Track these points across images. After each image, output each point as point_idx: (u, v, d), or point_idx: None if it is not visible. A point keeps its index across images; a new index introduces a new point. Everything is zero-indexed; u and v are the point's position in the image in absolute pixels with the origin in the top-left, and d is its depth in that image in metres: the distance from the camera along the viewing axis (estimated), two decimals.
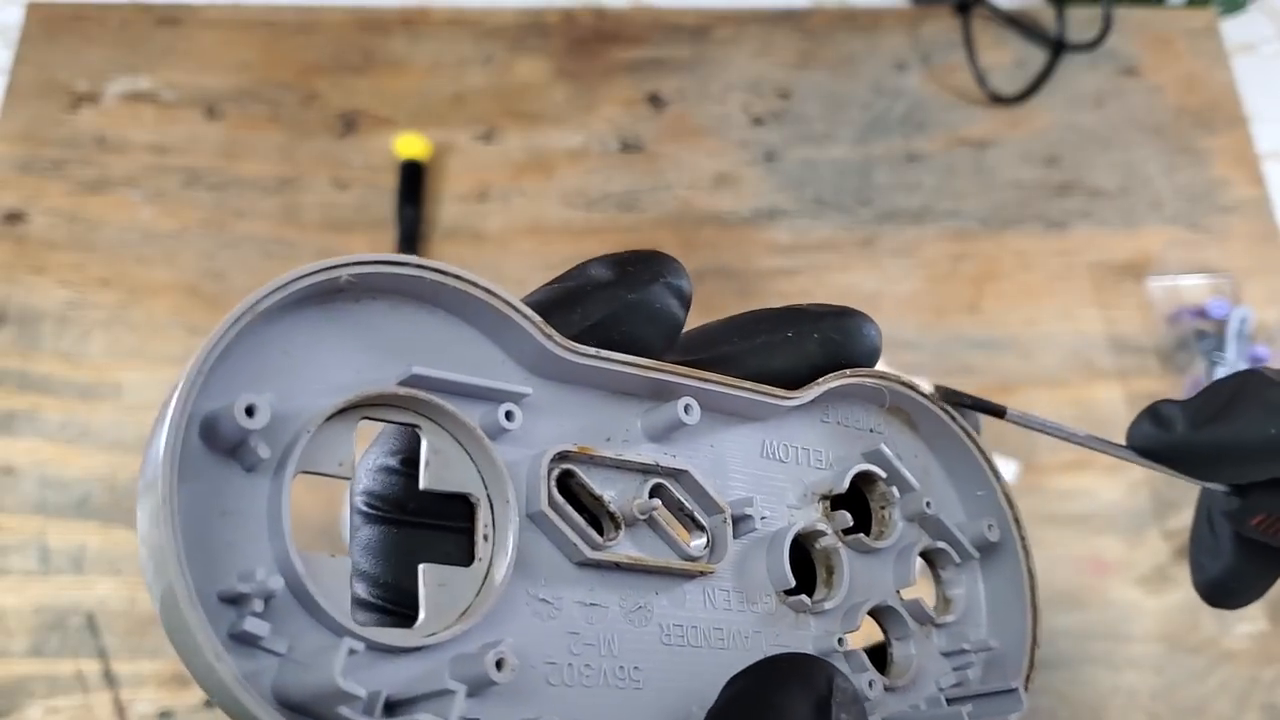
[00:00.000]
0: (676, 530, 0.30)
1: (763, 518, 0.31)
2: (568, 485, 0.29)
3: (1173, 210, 1.02)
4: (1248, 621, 0.86)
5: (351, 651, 0.23)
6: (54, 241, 0.94)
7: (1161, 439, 0.34)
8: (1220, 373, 0.91)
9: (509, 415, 0.27)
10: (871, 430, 0.35)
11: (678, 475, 0.30)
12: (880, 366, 0.34)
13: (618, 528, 0.29)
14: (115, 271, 0.93)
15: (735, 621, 0.31)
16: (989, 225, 1.00)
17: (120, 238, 0.95)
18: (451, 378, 0.27)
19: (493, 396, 0.27)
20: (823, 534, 0.32)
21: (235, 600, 0.23)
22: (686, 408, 0.29)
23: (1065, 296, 0.98)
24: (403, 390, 0.26)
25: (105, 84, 1.01)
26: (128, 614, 0.81)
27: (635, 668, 0.29)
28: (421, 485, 0.27)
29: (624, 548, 0.29)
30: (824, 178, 1.02)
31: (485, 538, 0.27)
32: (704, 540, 0.30)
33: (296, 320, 0.25)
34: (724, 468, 0.31)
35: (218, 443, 0.24)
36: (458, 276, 0.27)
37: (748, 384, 0.31)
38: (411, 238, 0.95)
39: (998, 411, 0.34)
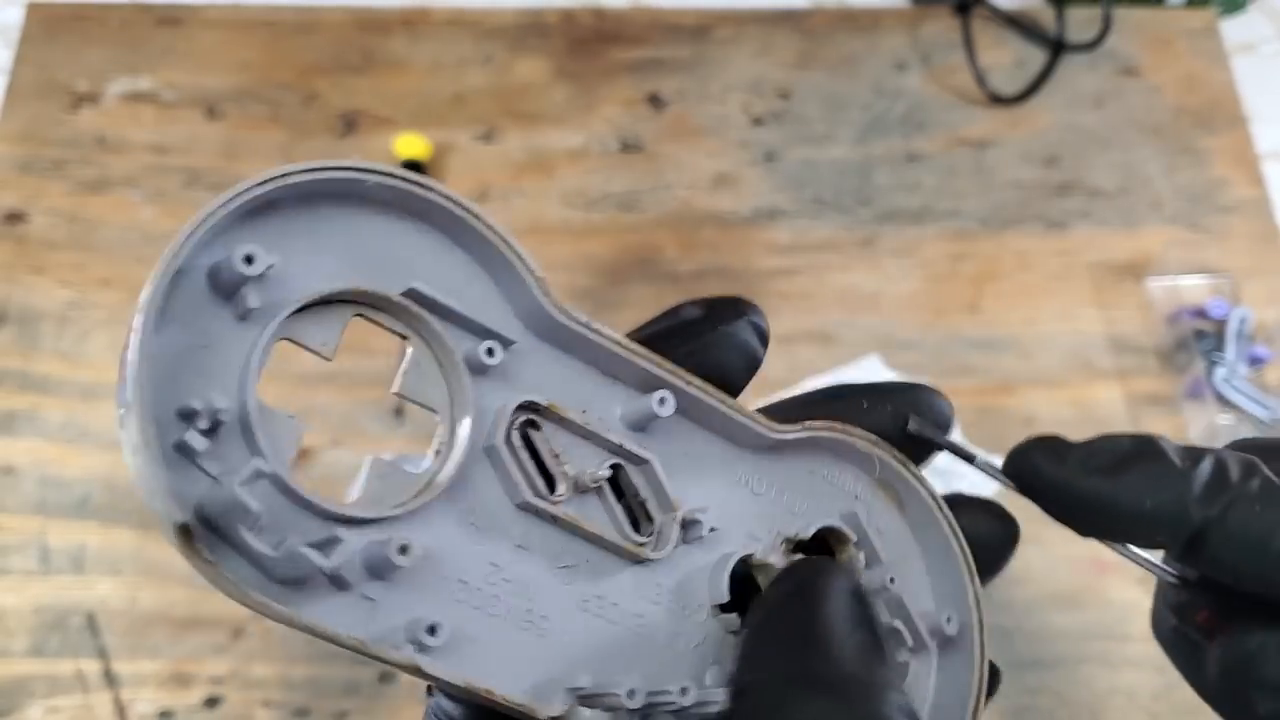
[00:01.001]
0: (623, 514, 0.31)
1: (712, 529, 0.32)
2: (531, 439, 0.30)
3: (1173, 210, 1.02)
4: None
5: (257, 474, 0.24)
6: (54, 241, 0.94)
7: (1047, 474, 0.33)
8: (1220, 373, 0.91)
9: (490, 352, 0.28)
10: (856, 496, 0.35)
11: (640, 463, 0.31)
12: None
13: (567, 489, 0.30)
14: (115, 271, 0.93)
15: (660, 617, 0.31)
16: (989, 225, 1.00)
17: (120, 238, 0.95)
18: (446, 302, 0.28)
19: (480, 332, 0.29)
20: (775, 569, 0.33)
21: (188, 416, 0.25)
22: (661, 400, 0.30)
23: (1065, 296, 0.98)
24: (399, 299, 0.27)
25: (105, 84, 1.01)
26: (128, 614, 0.81)
27: (544, 616, 0.29)
28: (394, 389, 0.28)
29: (567, 507, 0.30)
30: (824, 178, 1.02)
31: (438, 452, 0.28)
32: (650, 531, 0.31)
33: (321, 211, 0.27)
34: (692, 476, 0.32)
35: (219, 287, 0.26)
36: (477, 216, 0.28)
37: (731, 400, 0.31)
38: None
39: (967, 457, 0.34)
